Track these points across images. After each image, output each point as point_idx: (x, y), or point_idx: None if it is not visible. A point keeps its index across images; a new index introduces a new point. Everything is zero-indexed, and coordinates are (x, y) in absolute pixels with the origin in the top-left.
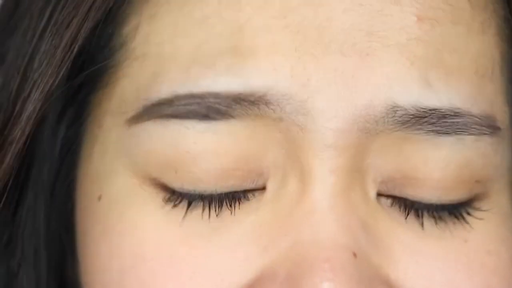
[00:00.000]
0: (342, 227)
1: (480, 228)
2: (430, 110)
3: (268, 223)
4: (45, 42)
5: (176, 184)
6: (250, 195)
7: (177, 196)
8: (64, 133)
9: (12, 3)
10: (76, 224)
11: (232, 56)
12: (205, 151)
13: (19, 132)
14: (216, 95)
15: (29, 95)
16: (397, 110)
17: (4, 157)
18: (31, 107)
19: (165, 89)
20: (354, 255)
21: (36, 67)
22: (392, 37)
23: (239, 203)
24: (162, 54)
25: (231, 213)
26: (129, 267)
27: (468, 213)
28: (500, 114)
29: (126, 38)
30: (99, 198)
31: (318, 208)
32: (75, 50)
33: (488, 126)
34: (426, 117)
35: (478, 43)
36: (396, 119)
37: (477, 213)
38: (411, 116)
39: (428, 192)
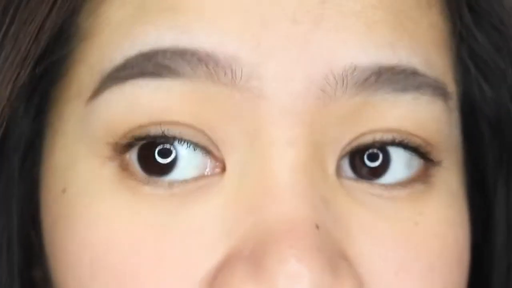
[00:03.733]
0: (304, 202)
1: (430, 212)
2: (390, 66)
3: (232, 205)
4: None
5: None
6: (210, 179)
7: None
8: (29, 128)
9: None
10: (42, 222)
11: (175, 13)
12: (160, 110)
13: None
14: (163, 52)
15: None
16: (355, 69)
17: None
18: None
19: (117, 57)
20: (317, 226)
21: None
22: (346, 5)
23: (201, 188)
24: (109, 25)
25: (194, 199)
26: (99, 258)
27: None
28: (450, 87)
29: (80, 24)
30: (63, 191)
31: (279, 184)
32: (41, 44)
33: (441, 90)
34: (385, 73)
35: (427, 16)
36: (355, 79)
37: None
38: (370, 74)
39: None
